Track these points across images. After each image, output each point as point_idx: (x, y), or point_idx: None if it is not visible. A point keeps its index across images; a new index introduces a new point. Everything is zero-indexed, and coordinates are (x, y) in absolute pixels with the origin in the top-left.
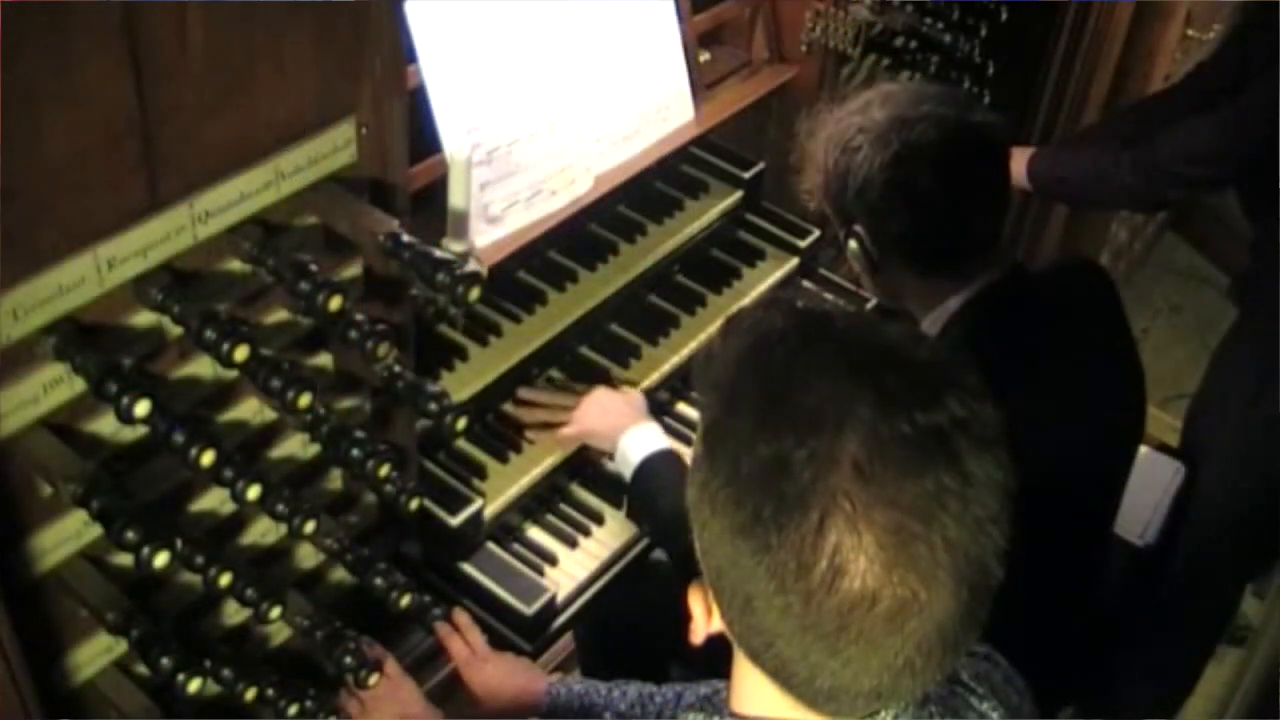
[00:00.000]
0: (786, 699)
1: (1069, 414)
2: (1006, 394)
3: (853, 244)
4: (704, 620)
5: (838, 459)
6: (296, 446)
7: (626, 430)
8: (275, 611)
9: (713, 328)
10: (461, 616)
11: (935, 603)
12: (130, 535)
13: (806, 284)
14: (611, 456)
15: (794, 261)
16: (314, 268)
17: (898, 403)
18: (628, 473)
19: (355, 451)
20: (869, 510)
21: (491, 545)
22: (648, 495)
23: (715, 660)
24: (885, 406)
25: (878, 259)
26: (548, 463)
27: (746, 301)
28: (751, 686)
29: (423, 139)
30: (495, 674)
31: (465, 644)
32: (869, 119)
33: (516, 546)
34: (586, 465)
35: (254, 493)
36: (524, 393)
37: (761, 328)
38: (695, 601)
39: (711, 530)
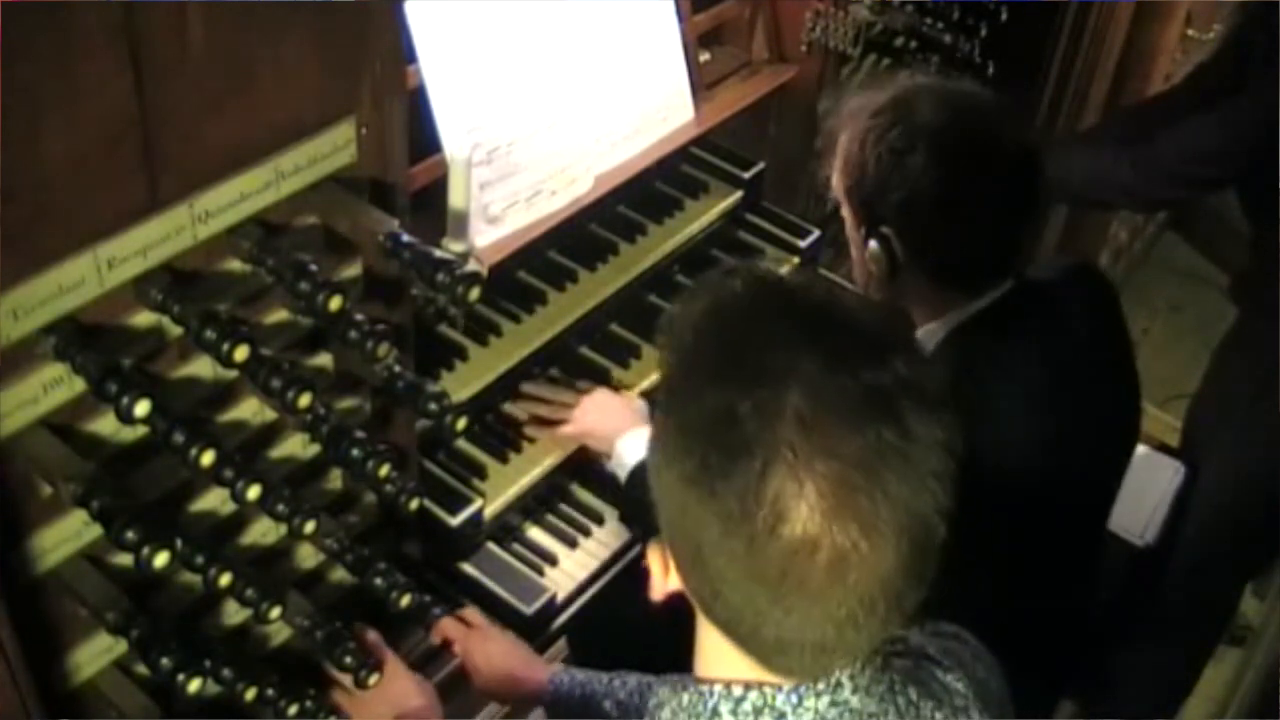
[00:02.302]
0: (744, 659)
1: (1067, 423)
2: (1007, 404)
3: (874, 245)
4: (662, 577)
5: (782, 410)
6: (296, 446)
7: (624, 433)
8: (275, 611)
9: None
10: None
11: (875, 555)
12: (130, 535)
13: None
14: (609, 457)
15: (794, 261)
16: (314, 268)
17: (843, 360)
18: (623, 474)
19: (355, 451)
20: (811, 460)
21: (491, 545)
22: (644, 492)
23: None
24: (830, 363)
25: (902, 265)
26: (548, 463)
27: None
28: (711, 649)
29: (423, 139)
30: (497, 649)
31: (461, 620)
32: (919, 119)
33: (516, 546)
34: (586, 465)
35: (254, 493)
36: (526, 387)
37: (720, 292)
38: (654, 559)
39: (664, 480)
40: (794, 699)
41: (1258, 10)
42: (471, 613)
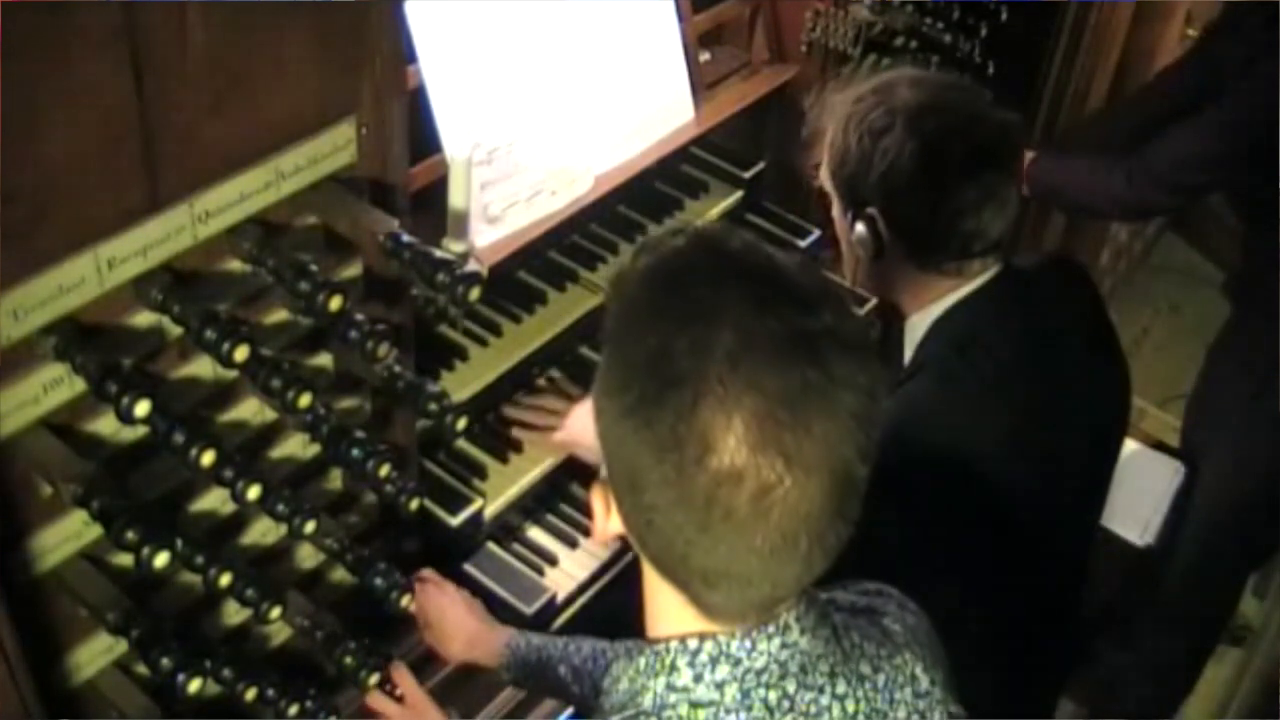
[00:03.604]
0: (689, 609)
1: (1057, 416)
2: (997, 396)
3: (860, 227)
4: (604, 515)
5: (713, 348)
6: (296, 446)
7: None
8: (275, 611)
9: None
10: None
11: (798, 489)
12: (130, 535)
13: None
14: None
15: None
16: (314, 268)
17: (774, 306)
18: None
19: (355, 451)
20: (739, 395)
21: (491, 545)
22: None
23: None
24: (762, 308)
25: (886, 246)
26: (548, 463)
27: None
28: (659, 607)
29: (423, 139)
30: (453, 606)
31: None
32: (897, 100)
33: (516, 546)
34: (587, 465)
35: (254, 493)
36: (520, 398)
37: (664, 248)
38: (596, 499)
39: (606, 415)
40: (747, 644)
41: (1230, 12)
42: (428, 572)
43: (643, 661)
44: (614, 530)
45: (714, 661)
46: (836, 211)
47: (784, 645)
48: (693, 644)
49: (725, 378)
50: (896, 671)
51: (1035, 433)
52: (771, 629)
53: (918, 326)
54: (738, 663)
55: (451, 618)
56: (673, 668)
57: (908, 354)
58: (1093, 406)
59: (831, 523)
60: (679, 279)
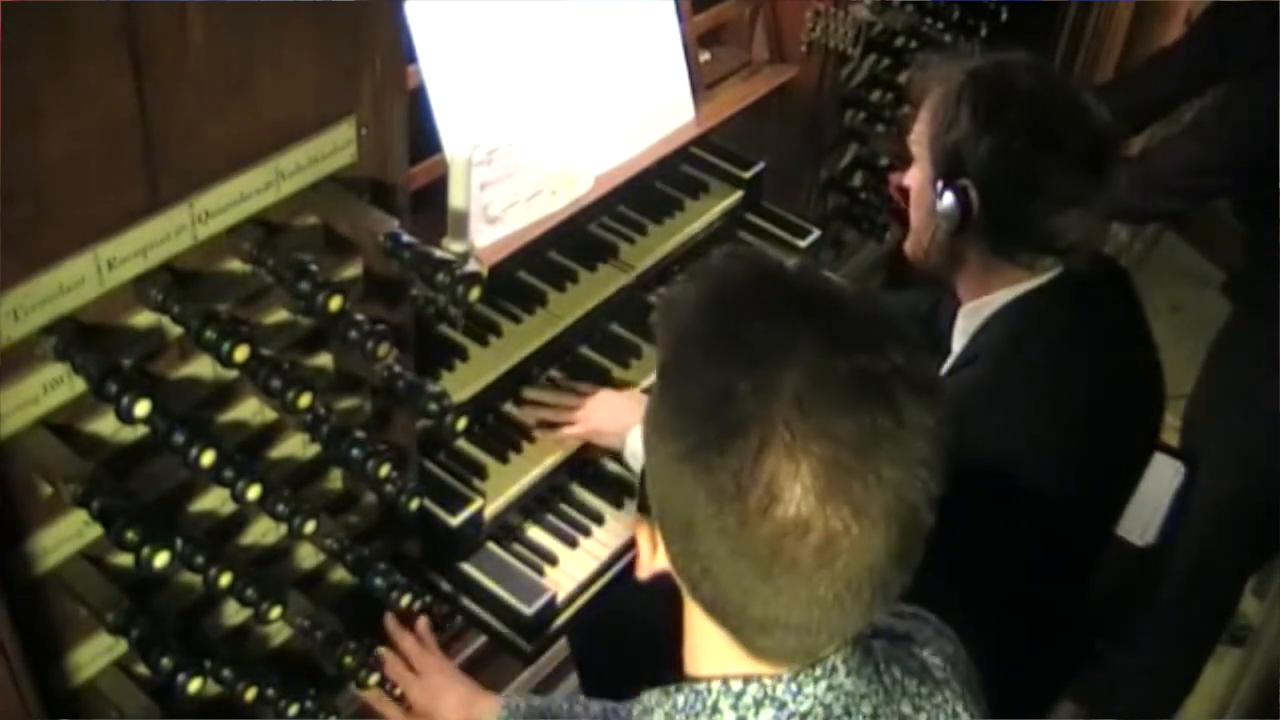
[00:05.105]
0: (734, 648)
1: (1101, 423)
2: (1047, 397)
3: (949, 197)
4: (649, 555)
5: (780, 390)
6: (296, 446)
7: (635, 427)
8: (275, 611)
9: None
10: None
11: (865, 539)
12: (130, 535)
13: None
14: (618, 454)
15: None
16: (314, 268)
17: (841, 344)
18: (637, 465)
19: (355, 451)
20: (807, 441)
21: (491, 545)
22: None
23: None
24: (828, 346)
25: (972, 222)
26: (548, 463)
27: None
28: (702, 644)
29: (423, 139)
30: (440, 670)
31: (415, 639)
32: (1018, 81)
33: (516, 546)
34: (587, 465)
35: (254, 493)
36: (530, 393)
37: (718, 275)
38: (642, 535)
39: (659, 457)
40: (794, 688)
41: (1234, 9)
42: (411, 646)
43: (681, 699)
44: (659, 568)
45: (758, 704)
46: (919, 178)
47: (830, 688)
48: (736, 686)
49: (792, 423)
50: (937, 710)
51: (1079, 437)
52: (818, 671)
53: (973, 316)
54: (783, 706)
55: (437, 679)
56: (715, 709)
57: (957, 343)
58: (1132, 416)
59: (896, 571)
60: (738, 311)
